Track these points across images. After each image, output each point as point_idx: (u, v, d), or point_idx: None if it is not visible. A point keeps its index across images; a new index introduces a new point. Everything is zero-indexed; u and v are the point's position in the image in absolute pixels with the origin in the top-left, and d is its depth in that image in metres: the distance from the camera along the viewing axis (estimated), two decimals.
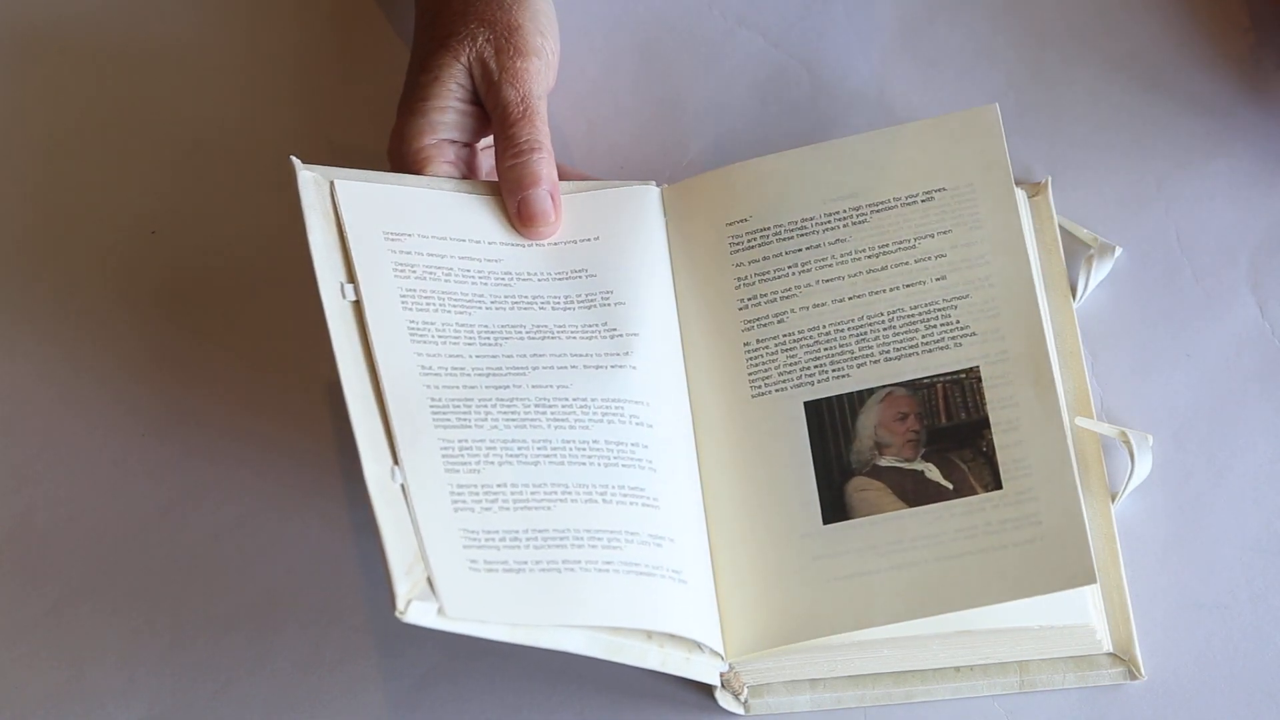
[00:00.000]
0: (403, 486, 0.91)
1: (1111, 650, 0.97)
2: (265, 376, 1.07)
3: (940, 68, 1.12)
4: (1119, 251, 1.05)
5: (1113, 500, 1.00)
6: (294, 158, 0.98)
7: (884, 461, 0.97)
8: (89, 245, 1.11)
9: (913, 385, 0.98)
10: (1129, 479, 1.00)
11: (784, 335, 1.00)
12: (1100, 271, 1.05)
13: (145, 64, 1.16)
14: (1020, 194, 1.05)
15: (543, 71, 1.03)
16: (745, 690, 0.97)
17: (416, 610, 0.87)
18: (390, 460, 0.91)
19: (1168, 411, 1.03)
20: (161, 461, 1.06)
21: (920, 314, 0.99)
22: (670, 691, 0.98)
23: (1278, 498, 1.00)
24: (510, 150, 1.02)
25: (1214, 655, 0.97)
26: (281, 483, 1.05)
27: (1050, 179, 1.08)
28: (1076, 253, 1.06)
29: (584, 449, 0.95)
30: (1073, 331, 1.04)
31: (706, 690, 0.97)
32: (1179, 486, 1.01)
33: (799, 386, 0.99)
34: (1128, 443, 1.00)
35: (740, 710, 0.97)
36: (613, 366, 0.99)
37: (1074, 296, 1.05)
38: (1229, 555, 0.99)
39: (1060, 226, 1.07)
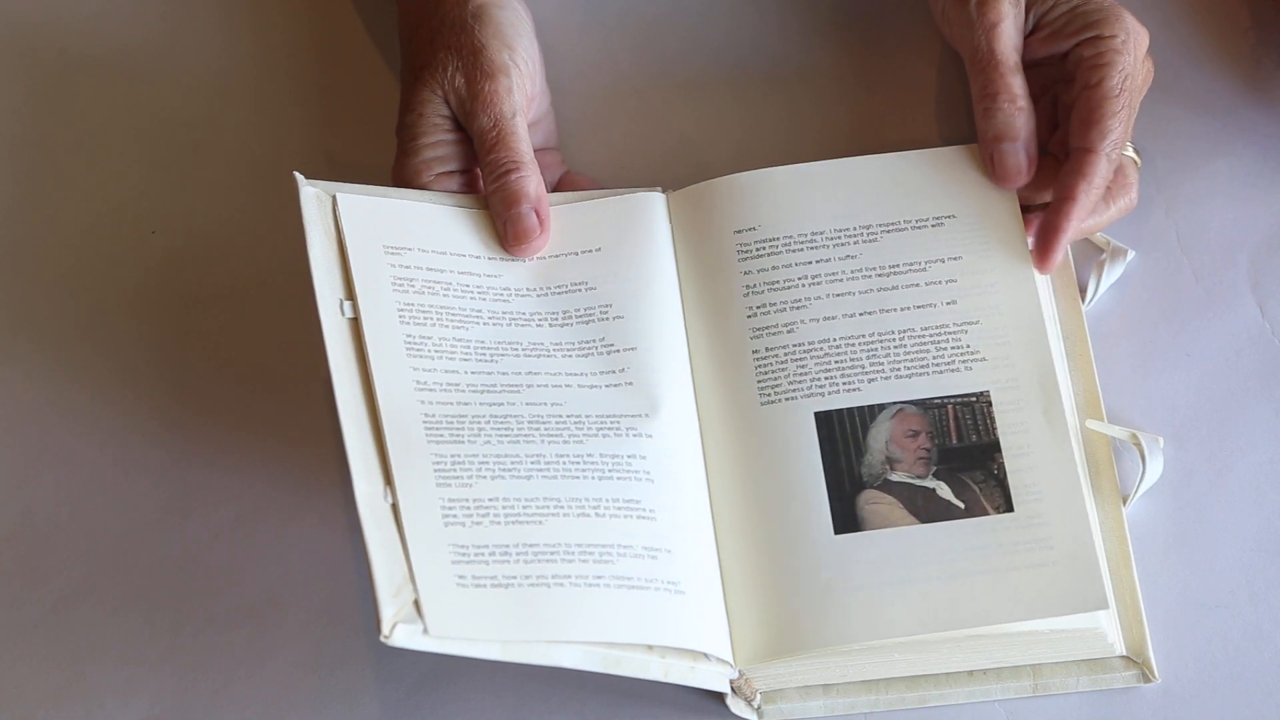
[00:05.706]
0: (393, 506, 0.91)
1: (1124, 653, 0.98)
2: (265, 376, 1.07)
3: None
4: (1131, 254, 1.06)
5: (1124, 503, 1.00)
6: (297, 173, 0.98)
7: (895, 477, 0.97)
8: (89, 245, 1.11)
9: (923, 404, 0.98)
10: (1140, 481, 1.00)
11: (794, 345, 1.00)
12: (1112, 275, 1.05)
13: (146, 66, 1.15)
14: None
15: (513, 87, 1.03)
16: (758, 696, 0.97)
17: (402, 633, 0.87)
18: (382, 481, 0.92)
19: (1168, 411, 1.03)
20: (161, 461, 1.06)
21: (931, 335, 0.99)
22: (672, 695, 0.98)
23: (1278, 497, 1.01)
24: (491, 175, 1.02)
25: (1215, 655, 0.98)
26: (281, 482, 1.05)
27: None
28: (1086, 255, 1.06)
29: (578, 463, 0.96)
30: (1082, 335, 1.04)
31: (710, 692, 0.97)
32: (1180, 486, 1.01)
33: (809, 396, 0.99)
34: (1139, 445, 1.00)
35: (753, 716, 0.97)
36: (608, 385, 0.99)
37: (1083, 299, 1.05)
38: (1230, 555, 1.00)
39: None
